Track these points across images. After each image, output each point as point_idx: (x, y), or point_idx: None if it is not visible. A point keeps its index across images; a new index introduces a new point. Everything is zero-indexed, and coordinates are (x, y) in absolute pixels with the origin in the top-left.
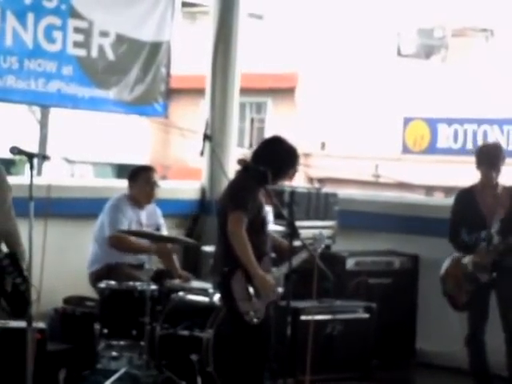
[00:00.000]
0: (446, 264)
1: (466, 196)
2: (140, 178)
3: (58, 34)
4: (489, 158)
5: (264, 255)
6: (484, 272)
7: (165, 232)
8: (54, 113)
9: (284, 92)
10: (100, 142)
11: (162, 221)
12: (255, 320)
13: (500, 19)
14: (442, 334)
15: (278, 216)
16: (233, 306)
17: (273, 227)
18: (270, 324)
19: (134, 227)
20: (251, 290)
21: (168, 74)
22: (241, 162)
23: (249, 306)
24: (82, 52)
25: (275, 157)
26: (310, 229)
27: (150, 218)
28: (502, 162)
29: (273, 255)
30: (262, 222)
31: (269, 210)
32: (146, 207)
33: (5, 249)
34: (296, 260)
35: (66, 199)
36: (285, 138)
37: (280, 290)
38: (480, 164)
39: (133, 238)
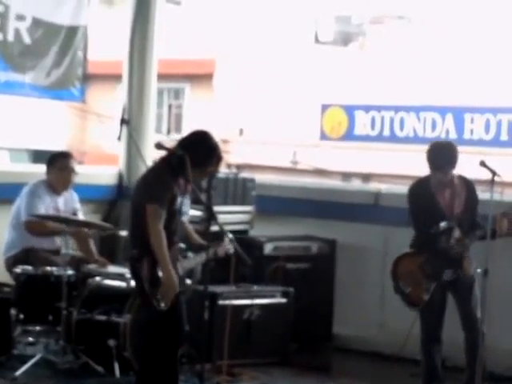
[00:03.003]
0: (397, 260)
1: (421, 188)
2: (57, 164)
3: None
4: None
5: (172, 244)
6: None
7: (81, 217)
8: None
9: (202, 78)
10: (16, 127)
11: (78, 206)
12: (162, 305)
13: (417, 7)
14: (359, 319)
15: (195, 201)
16: (141, 289)
17: (191, 212)
18: (181, 311)
19: (52, 213)
20: (160, 274)
21: (85, 59)
22: (158, 145)
23: (157, 291)
24: None
25: (198, 150)
26: (227, 214)
27: (67, 203)
28: (452, 164)
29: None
30: (173, 213)
31: (186, 201)
32: (63, 193)
33: None
34: (193, 262)
35: None
36: (212, 134)
37: (188, 281)
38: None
39: (49, 222)
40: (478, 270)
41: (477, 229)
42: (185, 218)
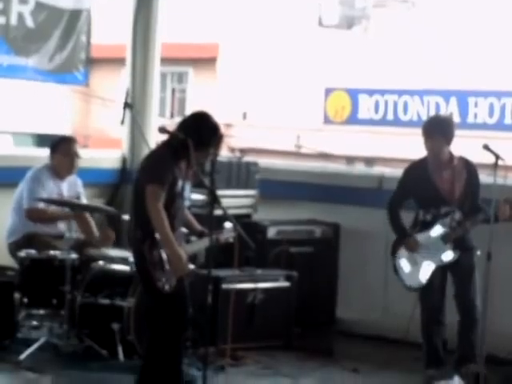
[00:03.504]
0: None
1: (417, 170)
2: (60, 148)
3: None
4: (427, 127)
5: (174, 230)
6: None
7: (84, 201)
8: None
9: (205, 62)
10: (20, 111)
11: (81, 190)
12: (166, 288)
13: None
14: (362, 303)
15: (199, 185)
16: (145, 272)
17: (194, 196)
18: (185, 295)
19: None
20: (164, 256)
21: (88, 42)
22: (162, 129)
23: (161, 273)
24: (0, 19)
25: (199, 131)
26: (231, 198)
27: (71, 188)
28: (443, 134)
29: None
30: (174, 196)
31: (187, 187)
32: (66, 178)
33: None
34: (196, 247)
35: None
36: (211, 115)
37: (192, 266)
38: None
39: (50, 208)
40: (478, 253)
41: (479, 212)
42: (186, 204)
